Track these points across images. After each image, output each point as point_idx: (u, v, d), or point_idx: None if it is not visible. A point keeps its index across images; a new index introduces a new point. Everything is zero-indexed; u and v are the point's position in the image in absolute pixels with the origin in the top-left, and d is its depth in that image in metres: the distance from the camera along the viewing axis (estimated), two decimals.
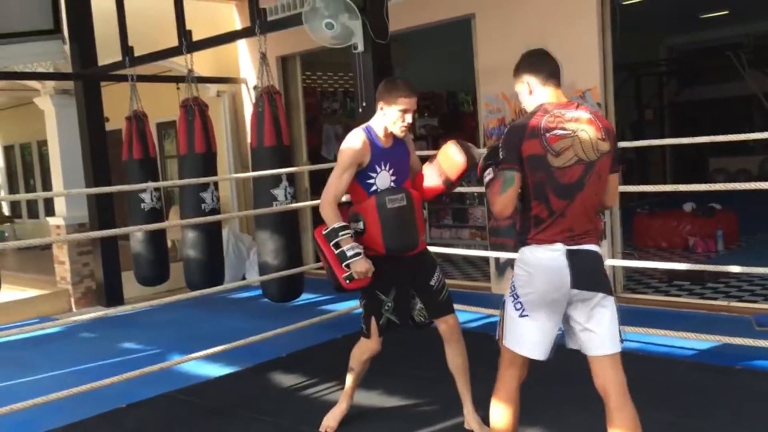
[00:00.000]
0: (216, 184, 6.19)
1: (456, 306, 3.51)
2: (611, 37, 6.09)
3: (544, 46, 6.18)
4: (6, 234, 11.59)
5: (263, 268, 5.52)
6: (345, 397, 3.65)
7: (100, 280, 7.61)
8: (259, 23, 5.49)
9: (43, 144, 11.22)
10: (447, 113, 11.14)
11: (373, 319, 3.41)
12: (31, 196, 13.60)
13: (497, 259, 6.80)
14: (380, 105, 3.38)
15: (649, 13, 9.58)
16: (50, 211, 9.88)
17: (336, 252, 3.24)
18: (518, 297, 2.66)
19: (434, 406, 3.93)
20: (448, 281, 3.65)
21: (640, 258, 7.11)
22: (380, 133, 3.39)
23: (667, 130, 13.67)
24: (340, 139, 9.92)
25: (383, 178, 3.36)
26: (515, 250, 2.76)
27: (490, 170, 2.74)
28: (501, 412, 2.77)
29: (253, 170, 5.62)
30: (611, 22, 6.08)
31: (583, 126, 2.63)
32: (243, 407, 3.98)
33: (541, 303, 2.62)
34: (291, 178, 5.51)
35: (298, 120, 8.65)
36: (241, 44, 8.67)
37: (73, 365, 5.34)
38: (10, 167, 14.37)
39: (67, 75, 7.51)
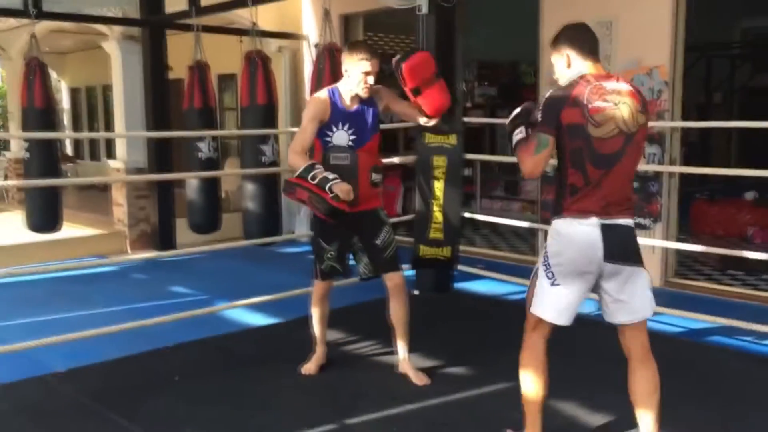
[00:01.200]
0: (276, 137, 6.25)
1: (503, 277, 3.53)
2: (684, 15, 5.88)
3: (614, 19, 6.04)
4: (69, 174, 11.97)
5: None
6: (318, 342, 3.95)
7: (155, 224, 7.82)
8: None
9: (107, 88, 11.48)
10: (507, 83, 10.96)
11: (317, 264, 3.78)
12: (93, 135, 14.01)
13: (546, 233, 6.72)
14: (344, 68, 3.59)
15: None
16: (111, 154, 10.15)
17: (316, 182, 3.37)
18: (550, 266, 2.72)
19: (466, 372, 3.96)
20: (494, 252, 3.69)
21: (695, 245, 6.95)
22: (345, 95, 3.62)
23: (735, 115, 13.20)
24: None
25: (340, 137, 3.59)
26: (551, 218, 2.80)
27: (522, 129, 2.76)
28: (531, 377, 2.86)
29: None
30: (686, 0, 5.87)
31: (624, 98, 2.67)
32: (281, 357, 4.08)
33: (572, 273, 2.69)
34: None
35: None
36: (305, 1, 8.66)
37: (126, 303, 5.53)
38: (75, 110, 14.77)
39: (134, 21, 7.64)
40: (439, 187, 5.33)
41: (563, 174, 2.71)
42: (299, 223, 8.47)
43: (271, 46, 8.70)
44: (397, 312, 3.79)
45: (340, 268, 3.79)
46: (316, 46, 5.83)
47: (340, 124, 3.60)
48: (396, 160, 6.40)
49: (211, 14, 6.91)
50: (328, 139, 3.61)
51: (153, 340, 4.44)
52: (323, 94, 3.66)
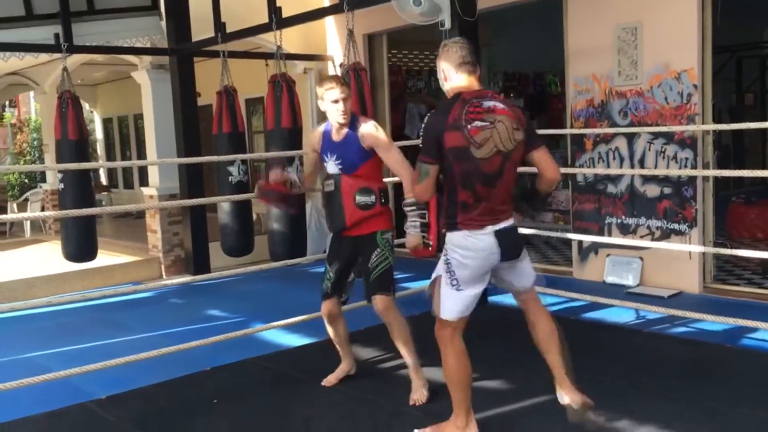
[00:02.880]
0: (301, 159, 6.30)
1: (537, 289, 3.47)
2: (711, 16, 5.81)
3: (640, 24, 6.01)
4: (103, 202, 12.20)
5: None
6: (343, 357, 4.08)
7: (189, 249, 7.91)
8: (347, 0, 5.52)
9: (139, 117, 11.69)
10: (533, 94, 10.92)
11: (324, 285, 3.93)
12: (125, 163, 14.25)
13: (580, 244, 6.66)
14: (319, 104, 3.76)
15: None
16: (144, 182, 10.31)
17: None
18: (455, 275, 2.96)
19: (504, 386, 3.92)
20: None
21: (732, 249, 6.82)
22: (334, 128, 3.76)
23: None
24: (423, 118, 9.91)
25: (330, 167, 3.77)
26: (444, 234, 3.05)
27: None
28: (455, 363, 3.08)
29: None
30: (711, 1, 5.80)
31: (499, 117, 2.82)
32: (318, 376, 4.07)
33: (474, 278, 2.97)
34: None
35: (383, 97, 8.67)
36: (329, 22, 8.75)
37: (162, 328, 5.60)
38: (108, 139, 15.06)
39: (163, 50, 7.79)
40: None
41: (453, 192, 2.91)
42: (321, 239, 8.50)
43: (297, 67, 8.80)
44: (392, 334, 3.82)
45: (331, 291, 3.90)
46: (341, 66, 5.86)
47: (329, 154, 3.78)
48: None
49: (237, 40, 7.01)
50: (324, 168, 3.83)
51: (191, 364, 4.48)
52: (320, 127, 3.90)
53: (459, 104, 2.82)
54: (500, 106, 2.85)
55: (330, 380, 4.04)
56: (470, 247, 2.91)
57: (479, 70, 3.05)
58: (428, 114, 2.96)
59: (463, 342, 3.10)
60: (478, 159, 2.79)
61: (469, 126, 2.77)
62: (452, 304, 3.00)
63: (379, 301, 3.75)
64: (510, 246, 2.98)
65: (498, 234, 2.91)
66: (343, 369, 4.09)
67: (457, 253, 2.94)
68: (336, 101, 3.65)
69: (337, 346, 4.07)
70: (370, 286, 3.78)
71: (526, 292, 3.25)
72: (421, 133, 2.90)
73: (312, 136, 3.96)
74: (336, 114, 3.67)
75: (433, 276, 3.10)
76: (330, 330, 4.01)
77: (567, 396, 3.16)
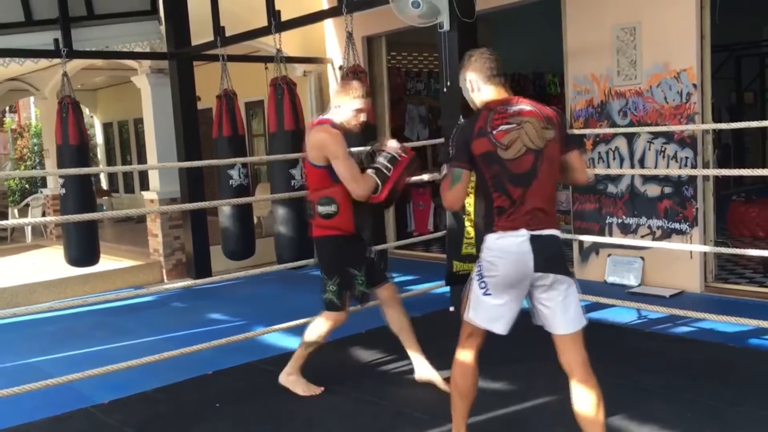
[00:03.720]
0: (304, 161, 6.30)
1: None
2: (710, 15, 5.82)
3: (638, 24, 6.01)
4: (104, 207, 12.21)
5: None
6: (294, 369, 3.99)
7: (190, 253, 7.92)
8: (346, 2, 5.53)
9: (139, 122, 11.71)
10: (533, 95, 10.92)
11: (347, 294, 3.77)
12: (126, 168, 14.27)
13: (581, 244, 6.66)
14: (336, 103, 3.73)
15: None
16: (145, 186, 10.32)
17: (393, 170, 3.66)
18: (483, 277, 2.84)
19: (506, 387, 3.92)
20: None
21: (733, 248, 6.82)
22: (339, 128, 3.69)
23: None
24: (423, 119, 9.92)
25: None
26: (484, 236, 2.91)
27: (444, 166, 2.99)
28: (462, 373, 3.01)
29: None
30: (710, 0, 5.81)
31: (525, 118, 2.82)
32: (321, 380, 4.07)
33: (505, 284, 2.79)
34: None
35: (382, 100, 8.68)
36: (328, 24, 8.76)
37: (164, 332, 5.60)
38: (108, 144, 15.07)
39: (162, 54, 7.80)
40: (470, 202, 5.31)
41: (489, 198, 2.86)
42: None
43: (296, 70, 8.81)
44: (401, 319, 3.90)
45: (369, 291, 3.86)
46: (341, 68, 5.88)
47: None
48: (426, 177, 6.40)
49: (236, 43, 7.02)
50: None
51: (193, 368, 4.48)
52: (332, 129, 3.69)
53: (485, 113, 2.87)
54: (527, 108, 2.88)
55: (315, 390, 3.95)
56: (501, 248, 2.79)
57: (507, 81, 3.07)
58: (458, 124, 3.04)
59: (473, 355, 3.01)
60: (505, 160, 2.79)
61: (494, 132, 2.80)
62: (476, 306, 2.90)
63: (393, 285, 3.92)
64: (546, 254, 2.76)
65: (533, 239, 2.75)
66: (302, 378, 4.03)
67: (487, 254, 2.83)
68: (360, 111, 3.71)
69: (305, 357, 4.00)
70: (380, 274, 3.91)
71: (569, 345, 2.83)
72: (452, 143, 2.92)
73: (341, 138, 3.67)
74: (354, 122, 3.73)
75: (468, 283, 3.00)
76: (322, 342, 3.96)
77: None
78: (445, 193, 2.93)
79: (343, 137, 3.66)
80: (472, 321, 2.92)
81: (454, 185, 2.88)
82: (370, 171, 3.68)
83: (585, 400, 2.82)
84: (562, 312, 2.79)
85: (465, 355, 3.00)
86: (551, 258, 2.77)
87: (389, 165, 3.70)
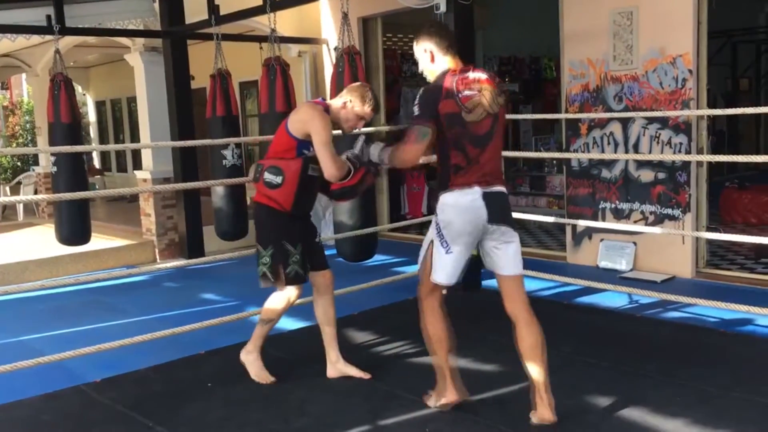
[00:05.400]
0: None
1: (531, 273, 3.51)
2: (707, 1, 5.80)
3: (635, 8, 5.98)
4: (97, 186, 12.14)
5: (338, 228, 5.60)
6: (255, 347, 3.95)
7: (183, 232, 7.89)
8: None
9: (132, 100, 11.63)
10: (528, 79, 10.91)
11: (281, 268, 3.70)
12: (119, 147, 14.19)
13: (574, 228, 6.68)
14: (349, 99, 3.70)
15: None
16: (138, 165, 10.28)
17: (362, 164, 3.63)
18: (444, 236, 3.12)
19: (497, 369, 3.94)
20: (523, 249, 3.66)
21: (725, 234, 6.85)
22: (332, 117, 3.70)
23: (763, 101, 12.96)
24: None
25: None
26: (437, 197, 3.17)
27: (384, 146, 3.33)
28: (434, 322, 3.28)
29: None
30: None
31: (484, 85, 3.10)
32: (314, 360, 4.08)
33: (462, 237, 3.10)
34: (368, 138, 5.53)
35: (377, 82, 8.64)
36: (324, 5, 8.70)
37: (157, 312, 5.60)
38: (101, 122, 14.98)
39: (156, 32, 7.73)
40: None
41: (446, 156, 3.10)
42: (325, 226, 8.50)
43: (291, 51, 8.75)
44: (329, 311, 3.95)
45: (303, 272, 3.78)
46: (336, 49, 5.83)
47: (311, 148, 3.62)
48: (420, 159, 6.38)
49: (231, 22, 6.95)
50: (307, 152, 3.63)
51: (185, 348, 4.49)
52: (321, 110, 3.66)
53: (449, 77, 3.09)
54: (483, 77, 3.14)
55: (270, 378, 3.92)
56: (458, 203, 3.07)
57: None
58: (422, 88, 3.19)
59: (438, 304, 3.29)
60: (468, 122, 3.05)
61: (460, 95, 3.05)
62: (443, 266, 3.15)
63: (330, 274, 3.94)
64: (498, 209, 3.11)
65: (486, 195, 3.07)
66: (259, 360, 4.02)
67: (445, 211, 3.10)
68: (363, 118, 3.74)
69: (263, 337, 3.96)
70: (322, 260, 3.92)
71: (508, 286, 3.20)
72: (417, 102, 3.09)
73: (328, 121, 3.64)
74: (350, 124, 3.75)
75: (425, 244, 3.25)
76: (277, 319, 3.95)
77: (539, 414, 3.19)
78: (408, 146, 3.12)
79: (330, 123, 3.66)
80: (440, 282, 3.19)
81: (421, 141, 3.08)
82: (343, 157, 3.65)
83: (530, 340, 3.14)
84: (511, 256, 3.16)
85: (432, 306, 3.27)
86: (501, 211, 3.13)
87: (360, 160, 3.65)
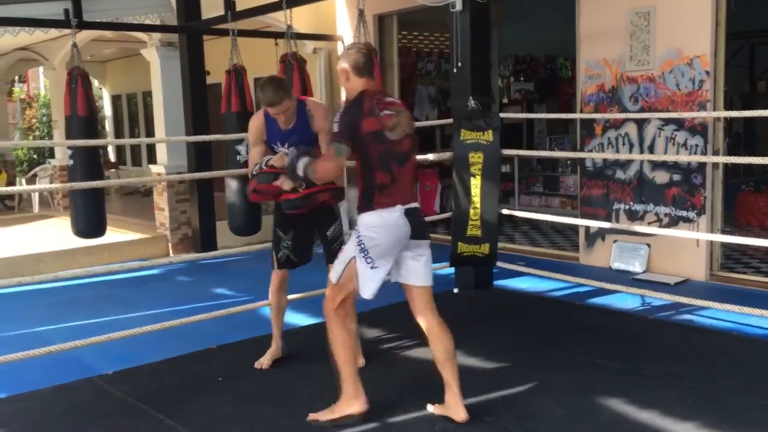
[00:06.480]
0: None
1: (543, 274, 3.50)
2: (726, 2, 5.75)
3: (653, 9, 5.94)
4: (111, 179, 12.23)
5: (352, 224, 5.60)
6: (274, 336, 4.17)
7: (196, 227, 7.93)
8: None
9: (147, 94, 11.68)
10: (543, 78, 10.86)
11: (274, 253, 4.02)
12: (133, 141, 14.27)
13: (587, 229, 6.65)
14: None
15: None
16: (153, 159, 10.33)
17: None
18: (368, 253, 3.20)
19: (507, 368, 3.94)
20: (534, 249, 3.68)
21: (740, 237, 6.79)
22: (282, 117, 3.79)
23: None
24: (433, 100, 9.87)
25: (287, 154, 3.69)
26: (359, 215, 3.26)
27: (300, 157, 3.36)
28: (345, 336, 3.38)
29: None
30: None
31: (399, 108, 3.30)
32: (323, 355, 4.08)
33: (386, 255, 3.22)
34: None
35: (392, 79, 8.63)
36: (339, 1, 8.70)
37: (169, 305, 5.63)
38: (117, 116, 15.07)
39: (173, 27, 7.76)
40: (476, 183, 5.30)
41: (371, 176, 3.19)
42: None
43: (306, 47, 8.76)
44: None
45: (295, 258, 4.04)
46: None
47: (279, 144, 3.85)
48: (432, 157, 6.38)
49: (247, 18, 6.97)
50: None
51: (197, 342, 4.52)
52: (257, 115, 3.93)
53: (368, 98, 3.21)
54: (397, 101, 3.37)
55: (262, 362, 4.11)
56: (384, 224, 3.17)
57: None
58: (343, 107, 3.31)
59: (346, 313, 3.41)
60: (392, 141, 3.19)
61: (381, 114, 3.18)
62: (369, 281, 3.23)
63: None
64: (418, 225, 3.27)
65: (407, 212, 3.22)
66: (274, 350, 4.18)
67: (369, 231, 3.19)
68: (274, 114, 3.76)
69: (275, 323, 4.17)
70: (331, 254, 3.93)
71: (421, 296, 3.33)
72: (337, 120, 3.18)
73: (252, 124, 3.94)
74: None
75: (343, 258, 3.32)
76: (274, 300, 4.13)
77: (454, 413, 3.28)
78: (326, 163, 3.24)
79: (254, 125, 3.93)
80: (367, 297, 3.26)
81: (337, 158, 3.18)
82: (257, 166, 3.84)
83: (443, 353, 3.27)
84: (423, 268, 3.32)
85: (342, 317, 3.36)
86: (420, 227, 3.31)
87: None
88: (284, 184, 3.70)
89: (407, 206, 3.24)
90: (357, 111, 3.19)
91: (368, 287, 3.26)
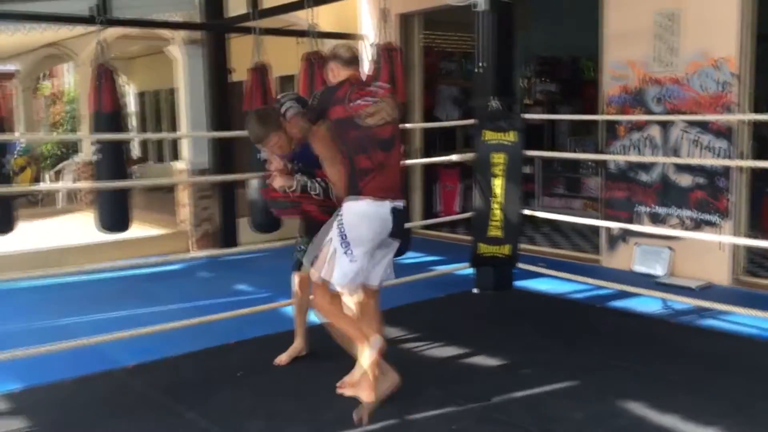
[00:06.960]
0: None
1: (564, 276, 3.47)
2: (755, 3, 5.67)
3: (679, 10, 5.89)
4: (136, 175, 12.34)
5: None
6: (297, 335, 4.17)
7: (218, 224, 7.99)
8: None
9: (172, 92, 11.79)
10: (567, 79, 10.78)
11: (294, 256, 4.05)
12: (156, 136, 14.43)
13: (609, 231, 6.59)
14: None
15: None
16: (176, 156, 10.42)
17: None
18: (350, 245, 3.20)
19: (527, 370, 3.92)
20: (555, 251, 3.68)
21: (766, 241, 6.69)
22: None
23: None
24: (455, 100, 9.84)
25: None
26: (344, 201, 3.28)
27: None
28: (338, 313, 3.39)
29: None
30: None
31: (381, 97, 3.30)
32: (342, 352, 4.10)
33: (367, 244, 3.22)
34: (404, 135, 5.53)
35: (414, 79, 8.62)
36: (363, 1, 8.71)
37: (191, 300, 5.68)
38: (142, 113, 15.22)
39: (197, 25, 7.82)
40: (498, 184, 5.29)
41: (351, 161, 3.22)
42: None
43: (329, 46, 8.77)
44: (308, 300, 4.03)
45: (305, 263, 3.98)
46: (372, 45, 5.84)
47: (296, 162, 3.77)
48: (454, 157, 6.37)
49: (271, 17, 7.01)
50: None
51: (217, 337, 4.55)
52: None
53: (347, 85, 3.28)
54: (381, 90, 3.36)
55: (281, 359, 4.12)
56: (370, 213, 3.20)
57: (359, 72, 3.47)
58: (321, 90, 3.47)
59: (337, 300, 3.41)
60: (368, 126, 3.20)
61: (351, 103, 3.21)
62: (345, 271, 3.22)
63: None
64: (400, 225, 3.34)
65: (394, 211, 3.25)
66: (296, 347, 4.20)
67: (353, 218, 3.21)
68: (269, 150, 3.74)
69: (297, 322, 4.18)
70: None
71: (375, 292, 3.48)
72: (312, 101, 3.36)
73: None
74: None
75: (323, 245, 3.30)
76: (297, 300, 4.13)
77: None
78: (299, 120, 3.40)
79: None
80: (341, 284, 3.25)
81: (298, 124, 3.36)
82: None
83: (375, 321, 3.42)
84: (385, 268, 3.41)
85: (336, 305, 3.37)
86: (400, 228, 3.35)
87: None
88: (275, 181, 3.67)
89: (394, 204, 3.27)
90: (328, 98, 3.29)
91: (341, 275, 3.22)
